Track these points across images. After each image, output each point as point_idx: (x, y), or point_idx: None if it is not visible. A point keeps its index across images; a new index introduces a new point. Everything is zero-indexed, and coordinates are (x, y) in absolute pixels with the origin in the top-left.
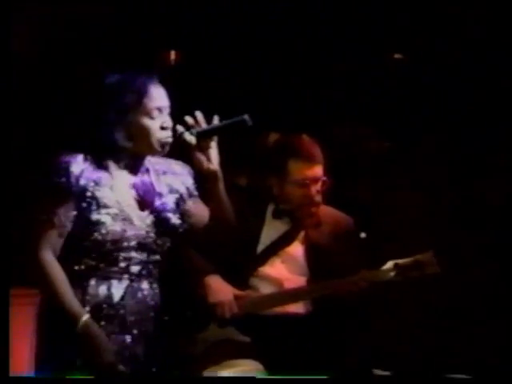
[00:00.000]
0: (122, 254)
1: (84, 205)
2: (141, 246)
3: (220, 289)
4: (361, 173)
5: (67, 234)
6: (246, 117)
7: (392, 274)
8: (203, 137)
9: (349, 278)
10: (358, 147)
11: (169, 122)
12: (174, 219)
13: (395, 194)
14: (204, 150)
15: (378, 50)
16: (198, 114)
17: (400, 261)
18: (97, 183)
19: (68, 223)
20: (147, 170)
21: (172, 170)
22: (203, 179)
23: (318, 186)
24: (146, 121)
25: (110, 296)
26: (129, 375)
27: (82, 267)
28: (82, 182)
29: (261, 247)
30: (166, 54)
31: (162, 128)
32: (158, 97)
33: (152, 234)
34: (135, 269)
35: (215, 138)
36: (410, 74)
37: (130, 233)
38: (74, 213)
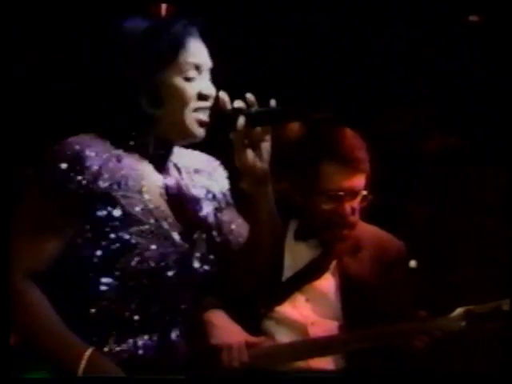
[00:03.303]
0: (160, 291)
1: (104, 220)
2: (181, 277)
3: (227, 328)
4: (416, 180)
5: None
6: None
7: (463, 323)
8: (259, 123)
9: (400, 326)
10: (414, 144)
11: (211, 90)
12: (221, 236)
13: (462, 211)
14: (255, 141)
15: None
16: (250, 97)
17: (474, 307)
18: (122, 186)
19: (66, 234)
20: (176, 167)
21: (205, 166)
22: (246, 181)
23: (356, 203)
24: (180, 81)
25: (139, 356)
26: None
27: (98, 313)
28: (102, 183)
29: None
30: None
31: (201, 97)
32: (198, 52)
33: (197, 257)
34: (172, 311)
35: (269, 129)
36: (489, 40)
37: (171, 258)
38: (87, 233)
